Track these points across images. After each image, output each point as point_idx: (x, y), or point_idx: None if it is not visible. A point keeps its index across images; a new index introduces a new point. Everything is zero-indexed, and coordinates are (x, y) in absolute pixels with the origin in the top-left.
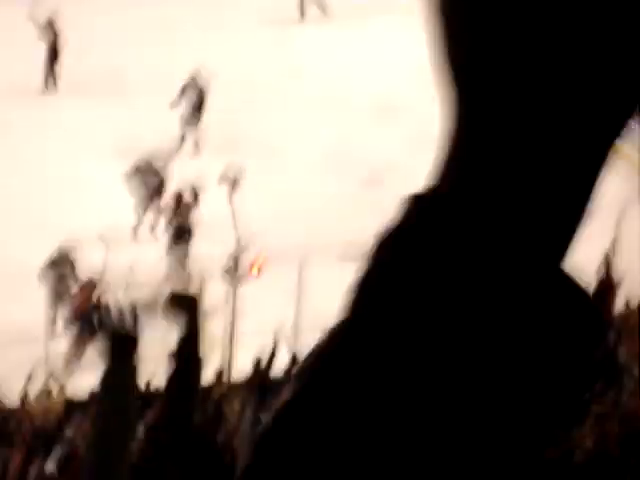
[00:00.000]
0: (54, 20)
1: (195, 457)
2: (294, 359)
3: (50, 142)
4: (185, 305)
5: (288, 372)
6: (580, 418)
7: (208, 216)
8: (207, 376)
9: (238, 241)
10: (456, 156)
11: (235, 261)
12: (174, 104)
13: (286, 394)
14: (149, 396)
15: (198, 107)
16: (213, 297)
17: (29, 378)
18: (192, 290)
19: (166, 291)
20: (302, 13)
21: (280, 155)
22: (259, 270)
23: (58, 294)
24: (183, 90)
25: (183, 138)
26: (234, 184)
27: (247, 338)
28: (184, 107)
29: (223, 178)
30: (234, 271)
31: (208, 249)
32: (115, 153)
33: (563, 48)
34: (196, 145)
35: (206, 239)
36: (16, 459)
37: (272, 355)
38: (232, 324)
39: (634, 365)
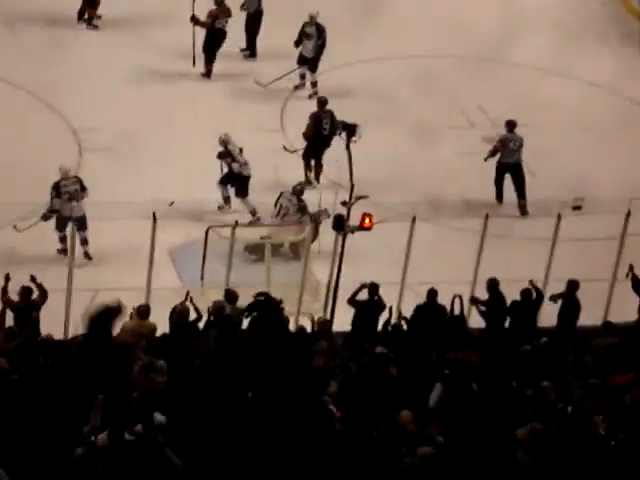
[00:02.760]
0: None
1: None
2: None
3: None
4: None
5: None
6: None
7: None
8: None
9: (352, 189)
10: None
11: (348, 210)
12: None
13: None
14: None
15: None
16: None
17: None
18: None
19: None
20: None
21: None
22: (371, 222)
23: None
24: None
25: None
26: (353, 130)
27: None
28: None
29: (339, 123)
30: (344, 220)
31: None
32: None
33: None
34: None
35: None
36: None
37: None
38: (337, 273)
39: None
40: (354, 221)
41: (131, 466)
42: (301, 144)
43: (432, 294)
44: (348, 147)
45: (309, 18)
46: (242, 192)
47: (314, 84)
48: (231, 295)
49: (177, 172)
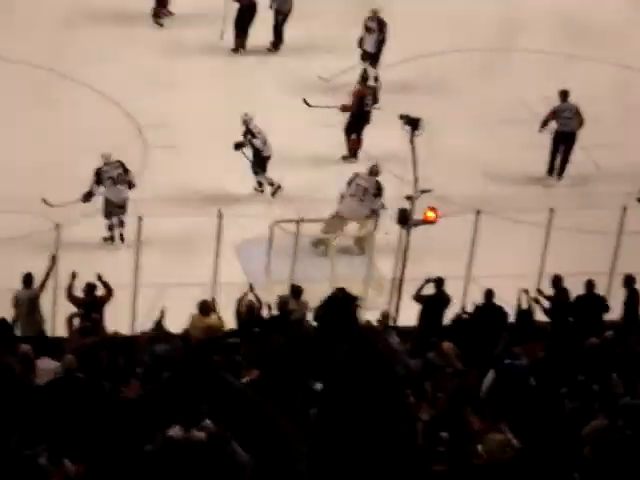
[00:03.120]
0: None
1: None
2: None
3: None
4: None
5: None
6: None
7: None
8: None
9: (416, 183)
10: None
11: (412, 203)
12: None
13: None
14: None
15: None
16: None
17: None
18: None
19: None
20: None
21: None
22: (435, 216)
23: None
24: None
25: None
26: (416, 124)
27: (414, 285)
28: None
29: (404, 117)
30: (409, 214)
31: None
32: None
33: None
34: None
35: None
36: None
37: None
38: (402, 268)
39: None
40: (418, 215)
41: (201, 462)
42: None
43: (489, 295)
44: (412, 141)
45: (371, 12)
46: (261, 168)
47: (376, 78)
48: (296, 290)
49: (241, 167)
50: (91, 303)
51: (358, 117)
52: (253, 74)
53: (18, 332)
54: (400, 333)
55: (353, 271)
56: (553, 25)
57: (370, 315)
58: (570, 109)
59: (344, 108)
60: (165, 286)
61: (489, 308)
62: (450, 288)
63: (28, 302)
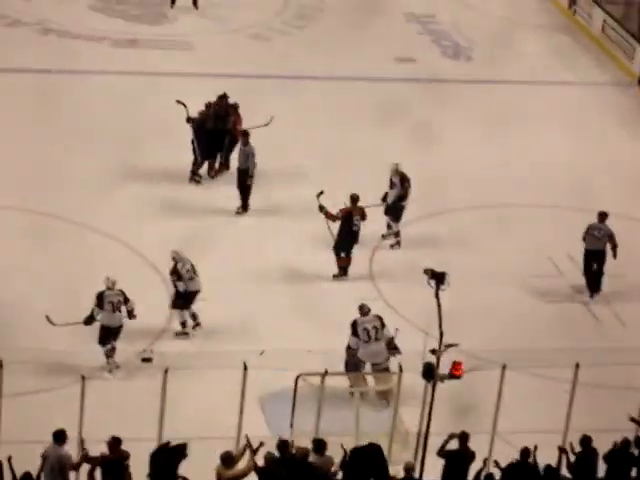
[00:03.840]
0: None
1: None
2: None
3: None
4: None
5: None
6: None
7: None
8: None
9: (441, 337)
10: None
11: (437, 358)
12: None
13: None
14: None
15: None
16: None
17: None
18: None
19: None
20: None
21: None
22: (461, 370)
23: None
24: None
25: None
26: (441, 278)
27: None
28: None
29: (429, 271)
30: (434, 368)
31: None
32: None
33: None
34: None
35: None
36: None
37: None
38: (427, 423)
39: None
40: (444, 369)
41: None
42: None
43: (525, 454)
44: (437, 295)
45: (392, 168)
46: (184, 305)
47: (397, 234)
48: (318, 444)
49: (264, 323)
50: (114, 460)
51: (347, 235)
52: None
53: None
54: None
55: (377, 425)
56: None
57: (393, 470)
58: (601, 229)
59: (327, 214)
60: (189, 440)
61: (523, 467)
62: (474, 444)
63: (55, 462)
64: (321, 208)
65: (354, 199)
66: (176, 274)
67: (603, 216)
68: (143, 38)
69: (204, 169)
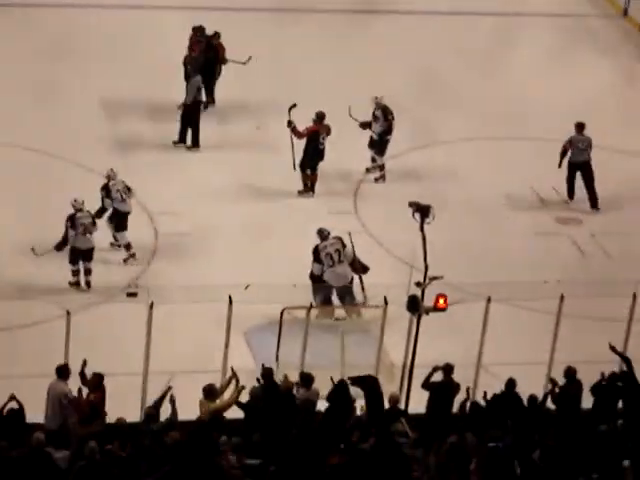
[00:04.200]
0: None
1: None
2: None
3: None
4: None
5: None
6: None
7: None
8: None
9: (426, 270)
10: None
11: (422, 291)
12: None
13: None
14: None
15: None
16: (395, 324)
17: None
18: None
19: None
20: None
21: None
22: (445, 303)
23: None
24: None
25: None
26: (426, 211)
27: (423, 371)
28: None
29: (414, 205)
30: (419, 301)
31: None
32: None
33: None
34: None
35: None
36: None
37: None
38: (412, 355)
39: None
40: (428, 302)
41: None
42: None
43: (511, 384)
44: (422, 228)
45: (374, 102)
46: (120, 227)
47: (381, 167)
48: (306, 378)
49: (251, 256)
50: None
51: (313, 153)
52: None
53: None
54: (409, 420)
55: (363, 358)
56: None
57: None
58: (584, 141)
59: (294, 130)
60: (175, 374)
61: (508, 397)
62: (458, 376)
63: (56, 397)
64: (289, 123)
65: (320, 117)
66: (105, 190)
67: (581, 127)
68: None
69: None
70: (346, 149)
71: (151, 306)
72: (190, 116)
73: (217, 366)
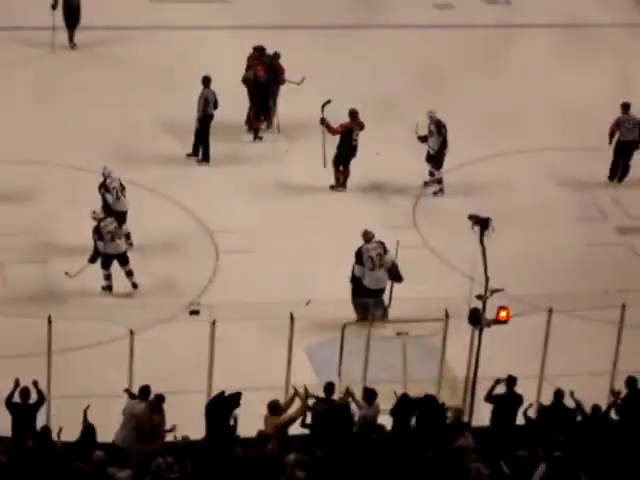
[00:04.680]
0: None
1: None
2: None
3: None
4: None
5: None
6: None
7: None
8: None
9: (487, 282)
10: None
11: (483, 304)
12: None
13: None
14: None
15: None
16: (457, 339)
17: None
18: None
19: None
20: None
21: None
22: (507, 315)
23: None
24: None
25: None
26: (485, 224)
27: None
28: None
29: (473, 217)
30: (480, 314)
31: (453, 289)
32: None
33: None
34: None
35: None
36: None
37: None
38: (475, 368)
39: None
40: (490, 315)
41: None
42: None
43: (559, 395)
44: (482, 241)
45: (428, 116)
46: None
47: (439, 181)
48: (369, 393)
49: (309, 272)
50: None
51: (347, 149)
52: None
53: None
54: (473, 433)
55: (425, 373)
56: None
57: None
58: (631, 120)
59: (328, 127)
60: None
61: (556, 409)
62: (522, 388)
63: (130, 416)
64: (322, 120)
65: (353, 114)
66: (104, 187)
67: (627, 107)
68: None
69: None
70: (403, 164)
71: (213, 323)
72: (200, 130)
73: (279, 382)
